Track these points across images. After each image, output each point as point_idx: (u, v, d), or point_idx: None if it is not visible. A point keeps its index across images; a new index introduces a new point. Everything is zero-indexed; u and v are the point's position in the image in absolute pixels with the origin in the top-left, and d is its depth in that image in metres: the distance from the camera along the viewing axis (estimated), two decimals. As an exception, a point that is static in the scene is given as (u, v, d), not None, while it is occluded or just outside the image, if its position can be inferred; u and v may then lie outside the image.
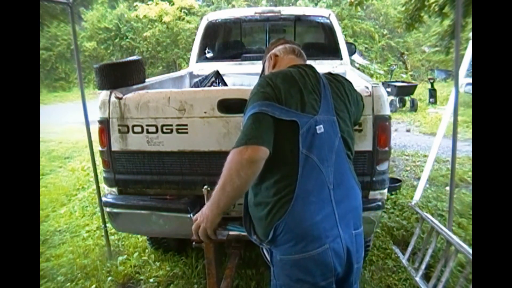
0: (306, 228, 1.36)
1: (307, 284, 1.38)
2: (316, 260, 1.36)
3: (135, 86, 2.45)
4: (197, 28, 4.73)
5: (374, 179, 2.18)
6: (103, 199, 2.40)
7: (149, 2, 15.36)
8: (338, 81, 1.58)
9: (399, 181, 4.25)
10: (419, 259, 2.71)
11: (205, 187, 2.00)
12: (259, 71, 3.86)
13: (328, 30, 4.11)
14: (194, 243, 1.93)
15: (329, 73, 1.62)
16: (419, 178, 4.03)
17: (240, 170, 1.32)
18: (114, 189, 2.39)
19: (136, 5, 15.97)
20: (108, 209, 2.38)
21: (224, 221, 2.22)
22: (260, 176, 1.38)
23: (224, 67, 3.98)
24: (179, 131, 2.20)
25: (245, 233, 2.19)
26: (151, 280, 2.81)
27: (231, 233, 2.07)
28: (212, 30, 4.28)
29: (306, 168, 1.37)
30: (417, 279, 2.59)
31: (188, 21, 15.72)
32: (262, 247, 1.55)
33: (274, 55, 1.73)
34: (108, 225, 3.07)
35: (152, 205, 2.30)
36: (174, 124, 2.19)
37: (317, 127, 1.40)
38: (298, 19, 4.25)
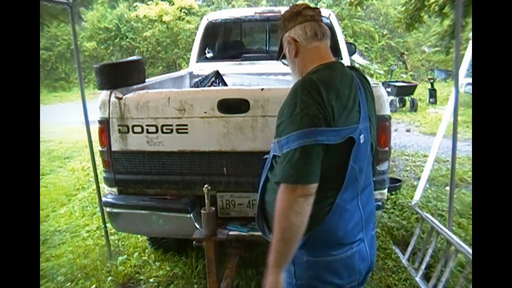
0: (340, 237, 1.34)
1: (332, 286, 1.37)
2: (345, 263, 1.35)
3: (135, 86, 2.45)
4: (197, 28, 4.73)
5: (374, 179, 2.16)
6: (103, 199, 2.41)
7: (149, 2, 15.35)
8: (366, 81, 1.50)
9: (399, 181, 4.26)
10: (419, 259, 2.71)
11: (206, 186, 2.00)
12: (259, 71, 3.90)
13: (328, 30, 4.10)
14: (194, 242, 1.93)
15: (356, 70, 1.55)
16: (419, 178, 4.03)
17: (296, 208, 1.22)
18: (114, 189, 2.40)
19: (136, 5, 15.96)
20: (108, 209, 2.38)
21: (223, 221, 2.23)
22: None
23: (224, 67, 3.98)
24: (179, 131, 2.20)
25: (245, 233, 2.20)
26: (151, 280, 2.81)
27: (231, 233, 2.07)
28: (212, 30, 4.28)
29: (349, 180, 1.32)
30: (417, 279, 2.59)
31: (188, 21, 15.71)
32: None
33: (293, 40, 1.45)
34: (108, 225, 3.07)
35: (152, 205, 2.31)
36: (174, 124, 2.19)
37: (360, 137, 1.32)
38: None
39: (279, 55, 1.55)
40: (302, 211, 1.22)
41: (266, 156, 1.53)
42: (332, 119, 1.25)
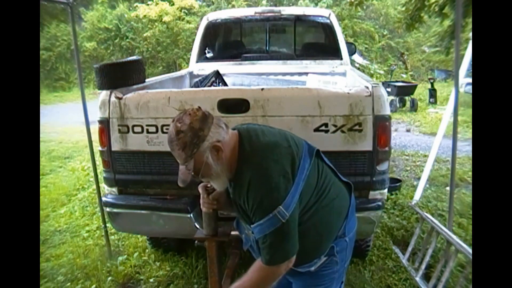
0: None
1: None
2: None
3: (135, 86, 2.45)
4: (197, 28, 4.73)
5: (374, 179, 2.18)
6: (103, 199, 2.41)
7: (149, 2, 15.34)
8: None
9: (399, 181, 4.25)
10: (419, 259, 2.71)
11: (209, 185, 1.99)
12: (259, 71, 3.90)
13: (328, 30, 4.11)
14: (196, 241, 1.93)
15: None
16: (419, 178, 4.02)
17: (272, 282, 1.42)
18: (114, 189, 2.39)
19: (136, 5, 15.95)
20: (108, 209, 2.38)
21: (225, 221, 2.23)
22: None
23: (224, 67, 3.98)
24: (179, 131, 2.19)
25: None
26: (151, 280, 2.81)
27: (232, 233, 2.07)
28: (212, 30, 4.28)
29: None
30: (417, 279, 2.59)
31: (188, 21, 15.69)
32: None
33: (217, 141, 1.36)
34: (108, 225, 3.07)
35: (152, 205, 2.31)
36: (174, 124, 2.19)
37: None
38: (298, 19, 4.25)
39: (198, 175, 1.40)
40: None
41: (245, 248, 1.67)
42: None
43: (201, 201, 1.66)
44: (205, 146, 1.33)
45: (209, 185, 1.64)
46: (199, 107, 1.38)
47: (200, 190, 1.63)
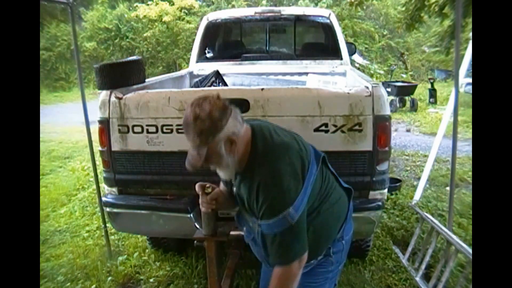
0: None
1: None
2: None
3: (135, 86, 2.45)
4: (197, 28, 4.73)
5: (374, 179, 2.18)
6: (103, 199, 2.40)
7: (149, 2, 15.34)
8: None
9: (399, 181, 4.25)
10: (419, 259, 2.71)
11: (208, 185, 1.99)
12: (259, 71, 3.90)
13: (328, 30, 4.11)
14: (195, 241, 1.93)
15: None
16: (419, 178, 4.02)
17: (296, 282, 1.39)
18: (114, 189, 2.39)
19: (136, 5, 15.94)
20: (108, 209, 2.38)
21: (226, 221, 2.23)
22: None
23: (224, 67, 3.97)
24: (179, 131, 2.19)
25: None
26: (151, 280, 2.81)
27: (231, 233, 2.07)
28: (212, 30, 4.28)
29: None
30: (417, 279, 2.59)
31: (188, 21, 15.69)
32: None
33: (233, 134, 1.36)
34: (108, 225, 3.07)
35: (152, 205, 2.30)
36: (174, 124, 2.19)
37: None
38: (298, 19, 4.25)
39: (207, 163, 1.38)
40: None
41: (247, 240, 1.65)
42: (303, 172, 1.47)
43: (199, 201, 1.66)
44: (220, 137, 1.32)
45: (207, 185, 1.64)
46: (219, 96, 1.36)
47: (197, 189, 1.63)
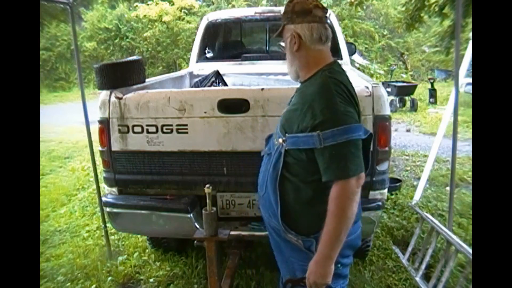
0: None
1: (348, 259, 1.57)
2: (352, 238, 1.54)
3: (135, 86, 2.45)
4: (197, 28, 4.72)
5: (374, 179, 2.18)
6: (103, 199, 2.41)
7: (149, 2, 15.34)
8: None
9: (399, 181, 4.24)
10: (419, 259, 2.71)
11: (208, 186, 1.99)
12: (259, 71, 3.90)
13: (331, 32, 4.10)
14: (195, 241, 1.93)
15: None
16: (419, 178, 4.03)
17: (356, 198, 1.35)
18: (114, 189, 2.39)
19: (136, 5, 15.95)
20: (108, 209, 2.38)
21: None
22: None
23: (224, 67, 3.97)
24: (179, 131, 2.20)
25: (245, 233, 2.20)
26: (151, 280, 2.81)
27: (231, 233, 2.07)
28: (212, 30, 4.28)
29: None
30: (417, 279, 2.59)
31: (188, 21, 15.69)
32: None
33: (298, 36, 1.47)
34: (108, 225, 3.07)
35: (152, 205, 2.31)
36: (174, 124, 2.19)
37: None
38: None
39: (279, 35, 1.56)
40: (358, 199, 1.36)
41: (263, 153, 1.61)
42: (359, 117, 1.44)
43: None
44: (290, 28, 1.48)
45: (207, 185, 1.65)
46: (322, 6, 1.49)
47: None
